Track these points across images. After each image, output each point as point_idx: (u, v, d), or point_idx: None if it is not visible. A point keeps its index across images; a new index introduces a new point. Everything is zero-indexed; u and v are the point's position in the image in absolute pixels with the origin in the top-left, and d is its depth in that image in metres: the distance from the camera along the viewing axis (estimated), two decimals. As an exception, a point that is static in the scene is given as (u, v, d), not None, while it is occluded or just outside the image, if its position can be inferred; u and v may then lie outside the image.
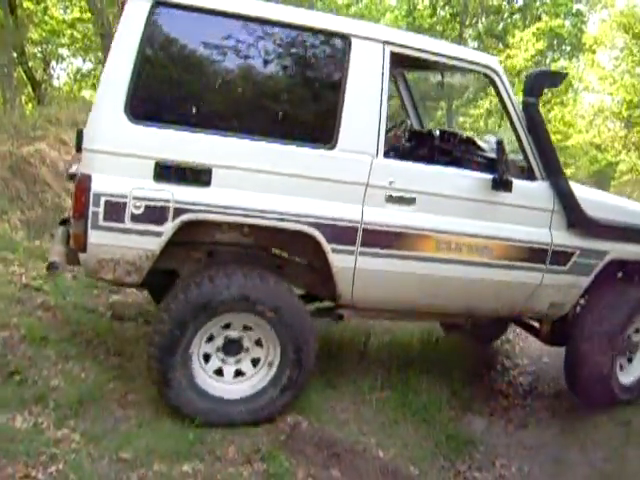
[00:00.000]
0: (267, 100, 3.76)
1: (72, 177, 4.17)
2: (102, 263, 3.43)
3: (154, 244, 3.41)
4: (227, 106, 3.71)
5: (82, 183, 3.31)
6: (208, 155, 3.45)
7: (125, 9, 3.40)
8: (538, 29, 20.59)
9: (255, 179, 3.52)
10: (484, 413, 4.88)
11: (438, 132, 5.09)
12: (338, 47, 3.71)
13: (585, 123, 22.12)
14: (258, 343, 3.69)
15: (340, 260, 3.71)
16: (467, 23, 18.43)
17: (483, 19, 20.82)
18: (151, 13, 3.37)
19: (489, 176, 4.02)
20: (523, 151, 4.19)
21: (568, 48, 28.65)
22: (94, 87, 17.63)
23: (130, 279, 3.51)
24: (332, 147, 3.64)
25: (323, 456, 3.43)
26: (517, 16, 22.87)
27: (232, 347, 3.66)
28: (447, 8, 18.02)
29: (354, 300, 3.93)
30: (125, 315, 4.79)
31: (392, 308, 4.29)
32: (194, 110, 3.56)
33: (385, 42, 3.78)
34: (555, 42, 27.59)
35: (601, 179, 22.51)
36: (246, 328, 3.65)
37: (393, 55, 3.82)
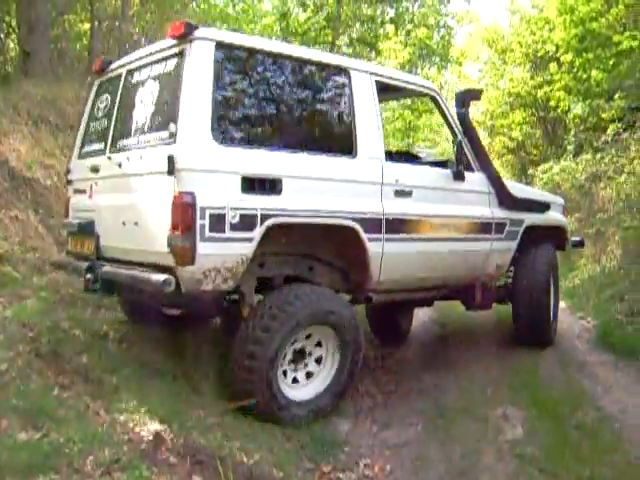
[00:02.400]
0: (311, 122, 4.67)
1: (70, 182, 5.13)
2: (206, 273, 3.84)
3: (247, 249, 3.95)
4: (285, 128, 4.46)
5: (184, 200, 3.72)
6: (278, 168, 4.12)
7: (191, 49, 3.97)
8: (406, 39, 21.29)
9: (311, 185, 4.27)
10: (349, 414, 4.92)
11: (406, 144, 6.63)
12: (344, 79, 4.71)
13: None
14: (318, 344, 4.43)
15: (373, 247, 4.54)
16: (340, 30, 18.70)
17: (357, 26, 21.25)
18: (215, 52, 4.03)
19: (449, 171, 5.27)
20: (461, 150, 5.27)
21: (437, 59, 29.83)
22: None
23: (226, 286, 3.95)
24: (354, 156, 4.56)
25: (186, 464, 3.33)
26: (389, 26, 23.56)
27: (298, 356, 4.36)
28: (320, 14, 18.17)
29: (380, 282, 4.74)
30: None
31: (404, 286, 5.21)
32: (262, 132, 4.30)
33: (371, 73, 4.91)
34: (425, 52, 28.62)
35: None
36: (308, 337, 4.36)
37: (376, 83, 4.88)
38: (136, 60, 4.68)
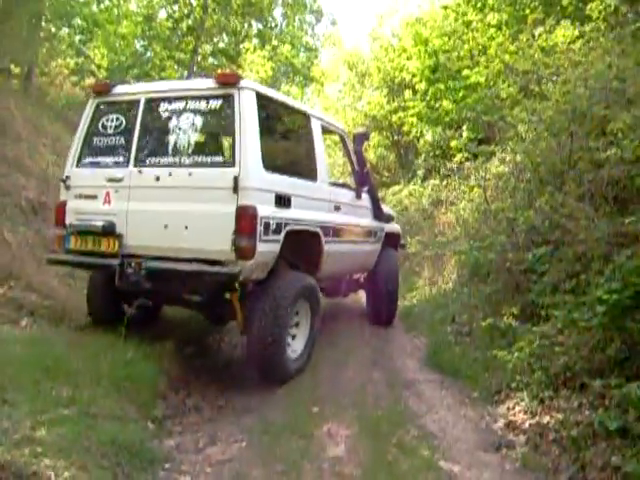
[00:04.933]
0: (299, 154, 6.55)
1: (69, 188, 5.91)
2: (256, 265, 5.23)
3: (277, 248, 5.42)
4: (290, 159, 6.34)
5: (250, 211, 5.10)
6: (290, 189, 5.68)
7: (241, 97, 5.29)
8: (271, 54, 21.41)
9: (302, 202, 5.84)
10: (176, 430, 4.79)
11: None
12: (308, 123, 6.44)
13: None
14: (296, 313, 5.87)
15: (327, 247, 6.23)
16: (203, 40, 18.45)
17: (224, 37, 21.08)
18: (256, 100, 5.42)
19: (353, 192, 7.30)
20: (358, 176, 7.53)
21: (301, 78, 30.24)
22: None
23: (262, 275, 5.43)
24: (316, 181, 6.29)
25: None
26: (255, 39, 23.63)
27: None
28: (185, 21, 17.84)
29: (322, 271, 6.33)
30: None
31: (329, 276, 6.94)
32: (280, 161, 5.84)
33: (319, 118, 6.76)
34: (289, 70, 28.92)
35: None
36: None
37: (321, 126, 6.67)
38: (162, 91, 5.79)
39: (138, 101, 5.74)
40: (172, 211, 5.31)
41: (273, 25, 23.17)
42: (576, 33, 9.44)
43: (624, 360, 4.43)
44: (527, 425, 4.65)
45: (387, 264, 8.17)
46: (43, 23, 14.23)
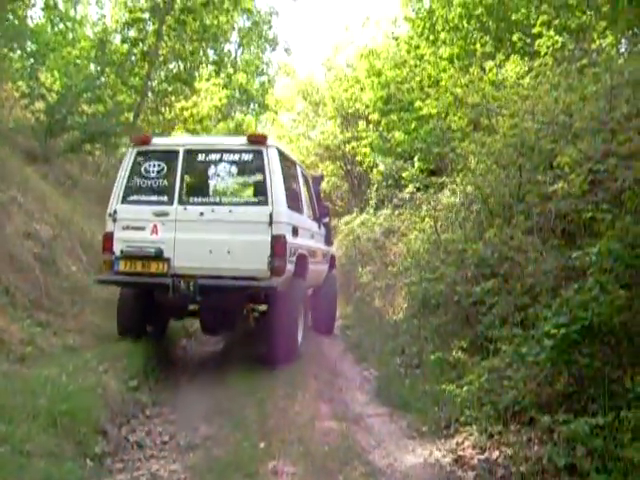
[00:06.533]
0: (297, 196, 8.14)
1: (116, 220, 7.21)
2: (284, 280, 6.96)
3: (293, 267, 7.26)
4: (294, 199, 7.85)
5: (282, 239, 6.86)
6: (297, 222, 7.56)
7: (269, 153, 7.10)
8: (226, 82, 21.40)
9: (301, 232, 7.76)
10: (115, 469, 4.60)
11: None
12: (295, 169, 8.43)
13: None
14: None
15: (310, 266, 8.18)
16: (156, 65, 18.30)
17: (180, 64, 20.99)
18: (279, 155, 7.30)
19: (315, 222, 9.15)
20: (315, 210, 9.20)
21: (256, 105, 30.29)
22: None
23: (284, 287, 7.02)
24: (303, 214, 8.30)
25: None
26: (210, 66, 23.61)
27: None
28: (139, 47, 17.67)
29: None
30: None
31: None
32: (291, 200, 7.48)
33: (299, 165, 8.64)
34: (244, 97, 28.93)
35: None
36: None
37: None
38: (199, 144, 7.66)
39: (177, 151, 7.29)
40: (216, 239, 6.87)
41: (227, 53, 23.27)
42: (525, 68, 9.63)
43: (572, 394, 4.42)
44: (476, 461, 4.57)
45: (331, 281, 10.12)
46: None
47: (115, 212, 7.21)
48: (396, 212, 13.27)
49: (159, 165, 7.31)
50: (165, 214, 7.05)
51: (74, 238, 9.97)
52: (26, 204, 9.13)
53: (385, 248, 12.22)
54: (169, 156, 7.33)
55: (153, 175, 7.31)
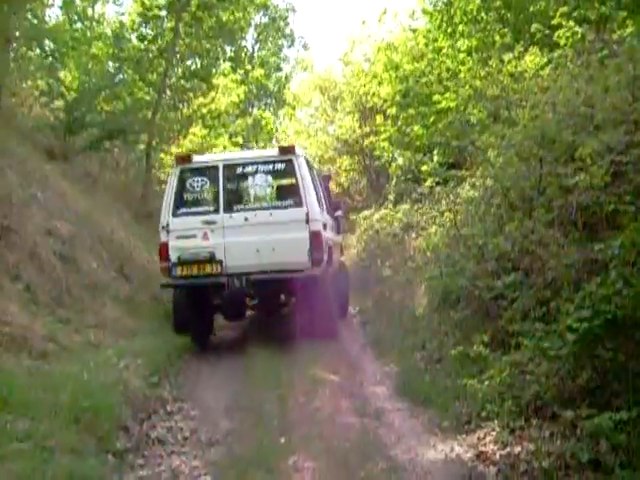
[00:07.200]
0: (319, 194, 9.23)
1: (169, 232, 8.19)
2: (323, 269, 8.17)
3: (327, 257, 8.47)
4: (321, 199, 9.05)
5: (319, 234, 8.04)
6: (324, 218, 8.67)
7: (298, 161, 8.26)
8: (243, 77, 21.41)
9: (327, 226, 8.95)
10: (136, 465, 4.62)
11: None
12: (313, 171, 9.33)
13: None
14: None
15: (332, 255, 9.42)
16: (174, 62, 18.34)
17: (198, 60, 21.04)
18: (306, 162, 8.75)
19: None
20: (329, 205, 10.09)
21: (273, 101, 30.31)
22: None
23: (322, 275, 8.19)
24: (324, 210, 9.27)
25: None
26: (227, 63, 23.63)
27: None
28: (156, 44, 17.72)
29: None
30: None
31: None
32: (317, 199, 8.59)
33: (314, 167, 9.57)
34: (262, 92, 28.97)
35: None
36: None
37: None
38: (236, 159, 8.80)
39: (217, 166, 8.34)
40: (261, 240, 7.89)
41: (244, 49, 23.28)
42: (544, 59, 9.50)
43: (595, 389, 4.37)
44: (498, 456, 4.52)
45: (343, 267, 11.27)
46: (14, 44, 14.05)
47: (167, 224, 8.16)
48: (415, 207, 13.19)
49: (202, 180, 8.32)
50: (213, 222, 8.07)
51: (94, 235, 10.05)
52: (46, 201, 9.22)
53: (404, 243, 12.15)
54: (210, 171, 8.36)
55: (198, 189, 8.34)
